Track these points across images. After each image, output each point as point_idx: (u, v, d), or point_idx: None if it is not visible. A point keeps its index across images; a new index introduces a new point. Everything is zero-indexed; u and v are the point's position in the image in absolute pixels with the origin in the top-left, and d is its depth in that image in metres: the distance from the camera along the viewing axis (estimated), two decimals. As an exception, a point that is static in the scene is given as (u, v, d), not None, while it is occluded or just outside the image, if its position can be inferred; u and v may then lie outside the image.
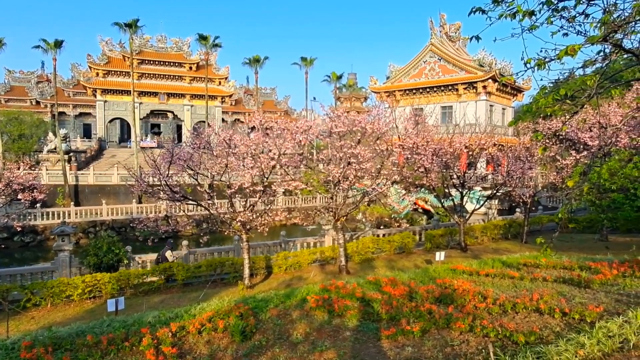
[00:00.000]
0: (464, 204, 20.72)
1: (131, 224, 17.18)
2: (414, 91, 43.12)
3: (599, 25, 3.92)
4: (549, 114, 4.55)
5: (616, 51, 4.03)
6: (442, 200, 20.92)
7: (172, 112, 61.64)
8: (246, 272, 14.57)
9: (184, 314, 8.14)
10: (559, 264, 11.01)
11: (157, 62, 59.16)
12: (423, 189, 23.21)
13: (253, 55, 67.33)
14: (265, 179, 14.49)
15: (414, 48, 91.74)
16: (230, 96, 63.51)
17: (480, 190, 26.08)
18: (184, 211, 15.98)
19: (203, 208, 14.49)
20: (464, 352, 5.81)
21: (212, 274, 15.52)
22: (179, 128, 64.19)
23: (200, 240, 15.33)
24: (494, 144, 24.02)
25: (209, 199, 14.39)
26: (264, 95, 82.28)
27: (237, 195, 14.93)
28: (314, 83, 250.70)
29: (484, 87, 38.62)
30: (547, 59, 3.96)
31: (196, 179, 14.28)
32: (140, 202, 36.33)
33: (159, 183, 13.89)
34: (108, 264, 15.65)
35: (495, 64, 38.40)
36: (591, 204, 18.24)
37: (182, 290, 14.74)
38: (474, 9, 4.82)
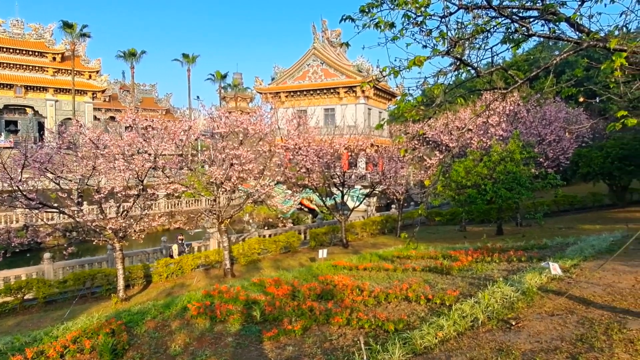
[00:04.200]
0: (345, 202, 21.72)
1: (-23, 238, 14.76)
2: (298, 93, 44.03)
3: (442, 40, 4.43)
4: (409, 118, 4.98)
5: (458, 64, 4.58)
6: (325, 199, 21.69)
7: (32, 108, 54.32)
8: (120, 283, 13.47)
9: (44, 337, 7.30)
10: (427, 254, 12.17)
11: (11, 50, 51.67)
12: (308, 189, 23.81)
13: (129, 48, 62.66)
14: (141, 182, 13.54)
15: (300, 49, 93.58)
16: (103, 92, 58.14)
17: (360, 189, 27.55)
18: (44, 220, 14.17)
19: (68, 216, 13.04)
20: (341, 345, 6.08)
21: (80, 289, 14.05)
22: (40, 126, 56.78)
23: (64, 252, 13.73)
24: (372, 145, 25.62)
25: (75, 206, 12.99)
26: (142, 92, 76.96)
27: (109, 200, 13.72)
28: (198, 81, 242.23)
29: (363, 91, 40.93)
30: (400, 68, 4.34)
31: (58, 184, 12.78)
32: (-10, 212, 31.41)
33: (11, 189, 12.15)
34: (-55, 287, 13.26)
35: (372, 69, 40.89)
36: (452, 199, 20.45)
37: (44, 310, 13.10)
38: (344, 17, 5.06)
